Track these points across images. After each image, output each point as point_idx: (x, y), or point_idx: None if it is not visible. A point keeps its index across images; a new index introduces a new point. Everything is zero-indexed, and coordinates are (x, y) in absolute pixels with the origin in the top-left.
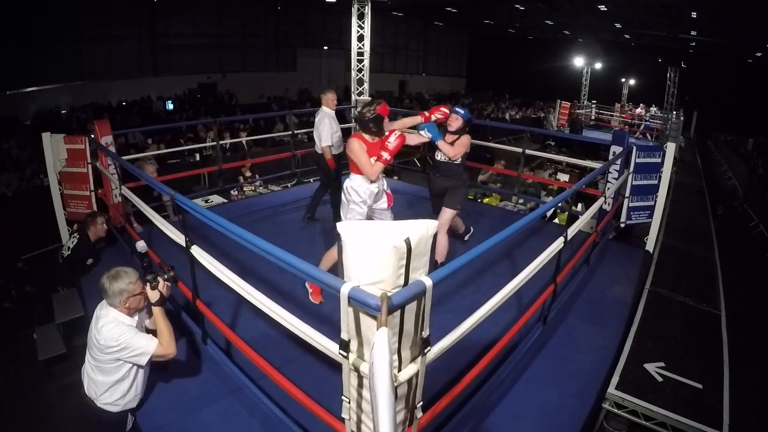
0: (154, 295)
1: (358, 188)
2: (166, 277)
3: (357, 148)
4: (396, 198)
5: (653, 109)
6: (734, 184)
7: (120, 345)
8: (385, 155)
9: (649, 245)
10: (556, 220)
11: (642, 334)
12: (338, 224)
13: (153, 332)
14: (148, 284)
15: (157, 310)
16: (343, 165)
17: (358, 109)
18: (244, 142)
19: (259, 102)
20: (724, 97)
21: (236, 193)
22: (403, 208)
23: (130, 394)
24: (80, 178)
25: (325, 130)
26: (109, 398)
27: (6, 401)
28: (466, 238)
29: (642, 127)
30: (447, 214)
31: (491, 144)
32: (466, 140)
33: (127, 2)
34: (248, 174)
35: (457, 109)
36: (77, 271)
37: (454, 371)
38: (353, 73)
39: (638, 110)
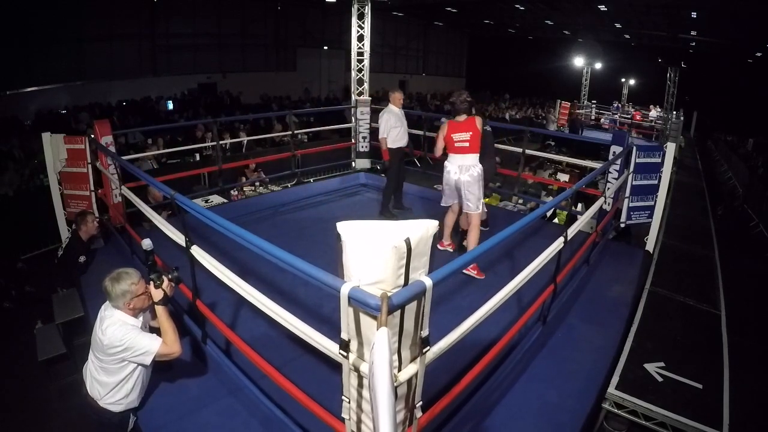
0: (157, 294)
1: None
2: (170, 276)
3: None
4: None
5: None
6: (734, 184)
7: (124, 345)
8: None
9: (649, 245)
10: (556, 220)
11: (642, 334)
12: (338, 224)
13: (157, 331)
14: (151, 283)
15: (160, 309)
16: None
17: (453, 98)
18: (245, 142)
19: (259, 102)
20: (724, 98)
21: (236, 193)
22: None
23: (134, 393)
24: (80, 178)
25: (383, 124)
26: (112, 398)
27: (6, 401)
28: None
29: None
30: None
31: None
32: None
33: (127, 2)
34: (252, 167)
35: None
36: (75, 270)
37: (454, 371)
38: (353, 73)
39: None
